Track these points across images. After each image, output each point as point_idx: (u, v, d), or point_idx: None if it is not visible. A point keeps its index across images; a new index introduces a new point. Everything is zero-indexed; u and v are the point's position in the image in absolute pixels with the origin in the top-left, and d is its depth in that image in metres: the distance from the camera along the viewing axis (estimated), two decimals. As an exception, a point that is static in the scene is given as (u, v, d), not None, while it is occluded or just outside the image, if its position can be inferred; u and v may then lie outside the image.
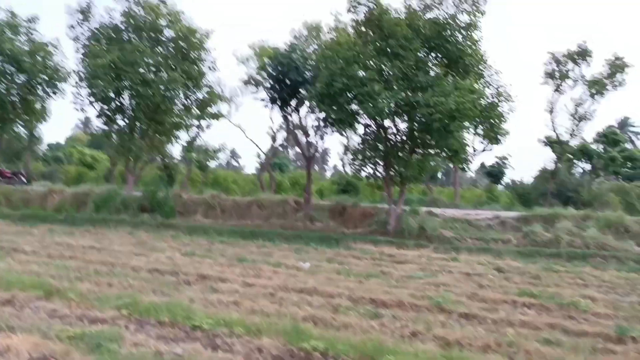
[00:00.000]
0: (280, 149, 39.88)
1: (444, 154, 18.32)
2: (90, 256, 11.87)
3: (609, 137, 34.95)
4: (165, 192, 22.97)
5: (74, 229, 18.12)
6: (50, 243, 13.98)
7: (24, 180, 30.07)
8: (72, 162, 46.82)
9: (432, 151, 19.03)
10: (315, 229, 19.59)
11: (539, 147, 48.81)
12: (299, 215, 20.65)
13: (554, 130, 29.69)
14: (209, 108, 25.46)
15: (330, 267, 12.22)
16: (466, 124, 16.65)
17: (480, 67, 17.81)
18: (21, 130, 30.70)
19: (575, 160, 33.58)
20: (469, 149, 19.20)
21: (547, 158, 41.01)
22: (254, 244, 16.20)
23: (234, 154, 79.46)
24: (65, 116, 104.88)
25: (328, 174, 72.58)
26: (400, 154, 18.35)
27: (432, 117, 15.87)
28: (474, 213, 22.14)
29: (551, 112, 28.93)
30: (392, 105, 16.54)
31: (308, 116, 21.92)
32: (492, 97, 17.84)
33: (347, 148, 30.54)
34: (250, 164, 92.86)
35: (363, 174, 19.66)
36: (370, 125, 18.60)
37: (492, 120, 18.14)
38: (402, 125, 18.59)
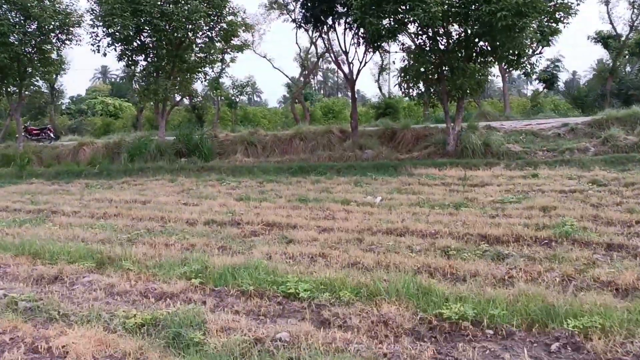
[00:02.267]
0: (311, 76, 37.68)
1: (506, 59, 16.26)
2: (136, 212, 10.60)
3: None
4: (200, 133, 21.55)
5: (111, 181, 16.97)
6: (90, 201, 12.78)
7: (52, 135, 28.97)
8: (96, 113, 45.70)
9: (490, 58, 17.00)
10: (366, 157, 18.02)
11: (588, 45, 45.58)
12: (347, 144, 19.06)
13: (611, 23, 26.91)
14: (233, 39, 23.48)
15: (404, 199, 10.75)
16: (535, 19, 14.49)
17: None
18: (42, 84, 29.28)
19: (635, 57, 30.62)
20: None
21: (600, 56, 37.91)
22: (307, 180, 14.80)
23: (255, 89, 77.50)
24: (82, 68, 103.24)
25: (350, 100, 70.12)
26: (455, 64, 16.33)
27: (497, 15, 13.75)
28: (534, 123, 20.24)
29: (607, 3, 26.05)
30: (447, 7, 14.45)
31: (346, 35, 19.79)
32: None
33: (383, 68, 28.62)
34: (272, 98, 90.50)
35: (414, 92, 17.74)
36: (420, 35, 16.51)
37: (556, 15, 15.90)
38: (457, 31, 16.48)
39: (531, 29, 14.86)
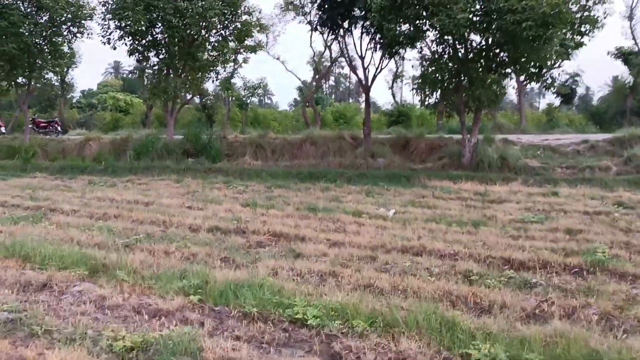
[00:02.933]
0: (323, 80, 37.15)
1: (527, 71, 15.69)
2: (137, 214, 10.11)
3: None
4: (209, 134, 21.10)
5: (115, 179, 16.52)
6: (91, 199, 12.33)
7: (60, 129, 28.67)
8: (106, 108, 45.42)
9: (509, 69, 16.45)
10: (378, 166, 17.49)
11: (602, 60, 44.99)
12: (359, 151, 18.54)
13: (634, 39, 26.25)
14: (247, 39, 23.03)
15: (419, 213, 10.20)
16: (561, 31, 13.92)
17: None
18: (52, 77, 28.95)
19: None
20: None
21: (620, 72, 37.18)
22: (316, 186, 14.27)
23: (266, 91, 77.10)
24: (95, 62, 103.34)
25: (362, 105, 69.71)
26: (474, 74, 15.78)
27: (522, 25, 13.20)
28: (552, 138, 19.64)
29: (630, 18, 25.42)
30: (470, 15, 13.93)
31: (363, 40, 19.26)
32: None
33: (397, 76, 28.14)
34: (283, 101, 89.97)
35: (431, 100, 17.19)
36: (442, 42, 15.96)
37: (582, 28, 15.34)
38: (476, 40, 15.93)
39: (556, 40, 14.27)
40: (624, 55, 28.61)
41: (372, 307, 4.80)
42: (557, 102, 31.80)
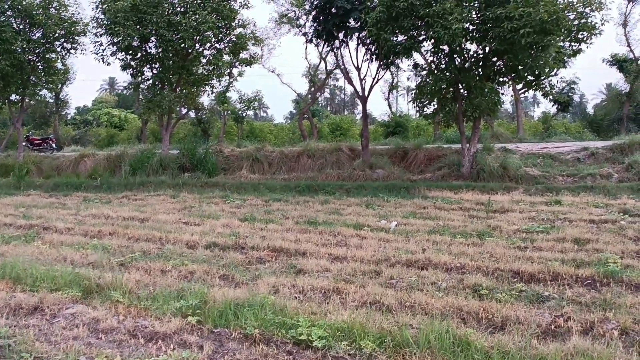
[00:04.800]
0: (319, 93, 37.04)
1: (525, 79, 15.58)
2: (133, 231, 9.86)
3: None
4: (205, 148, 20.87)
5: (110, 195, 16.25)
6: (85, 216, 12.06)
7: (54, 146, 28.41)
8: (101, 124, 45.22)
9: (507, 78, 16.34)
10: (377, 177, 17.28)
11: (599, 68, 45.06)
12: (357, 163, 18.33)
13: (629, 46, 26.25)
14: (242, 52, 22.89)
15: (421, 225, 9.99)
16: (559, 38, 13.81)
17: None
18: (46, 94, 28.77)
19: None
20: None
21: (615, 80, 37.20)
22: (314, 199, 14.06)
23: (261, 104, 76.96)
24: (90, 79, 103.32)
25: (358, 117, 69.68)
26: (472, 83, 15.65)
27: (519, 32, 13.09)
28: (551, 146, 19.51)
29: (624, 25, 25.41)
30: (466, 25, 13.82)
31: (359, 51, 19.08)
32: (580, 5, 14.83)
33: (393, 86, 28.08)
34: (278, 114, 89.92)
35: (429, 110, 17.06)
36: (438, 51, 15.84)
37: (579, 35, 15.23)
38: (473, 49, 15.83)
39: (554, 48, 14.16)
40: (618, 62, 28.61)
41: (380, 326, 4.57)
42: (553, 110, 31.78)
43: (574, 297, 5.48)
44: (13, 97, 23.35)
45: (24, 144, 25.41)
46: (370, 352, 4.15)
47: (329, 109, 76.47)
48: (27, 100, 23.81)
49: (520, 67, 14.85)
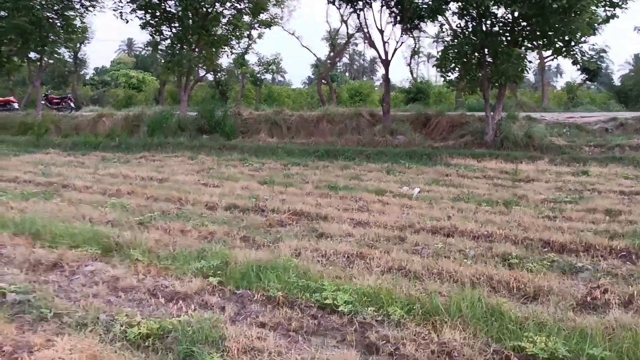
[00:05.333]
0: (338, 58, 36.37)
1: (554, 45, 15.02)
2: (152, 191, 9.76)
3: None
4: (223, 110, 20.64)
5: (128, 155, 16.18)
6: (104, 175, 12.01)
7: (73, 105, 28.36)
8: (119, 85, 45.06)
9: (535, 44, 15.78)
10: (398, 143, 16.97)
11: (619, 38, 43.74)
12: (377, 129, 17.98)
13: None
14: (262, 13, 22.44)
15: (445, 192, 9.76)
16: (593, 2, 13.23)
17: None
18: (65, 52, 28.60)
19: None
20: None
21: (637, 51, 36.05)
22: (334, 164, 13.86)
23: (279, 68, 75.99)
24: (108, 39, 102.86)
25: (377, 83, 68.65)
26: (499, 48, 15.13)
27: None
28: (578, 116, 18.99)
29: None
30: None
31: (382, 13, 18.50)
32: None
33: (415, 52, 27.40)
34: (296, 79, 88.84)
35: (453, 75, 16.59)
36: (464, 15, 15.29)
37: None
38: (501, 13, 15.25)
39: (588, 12, 13.56)
40: (650, 31, 27.59)
41: (408, 293, 4.40)
42: (578, 80, 30.88)
43: (609, 269, 5.27)
44: (32, 55, 23.24)
45: (42, 102, 25.37)
46: (398, 318, 3.99)
47: (347, 74, 75.44)
48: (45, 59, 23.64)
49: (550, 33, 14.27)
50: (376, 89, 41.72)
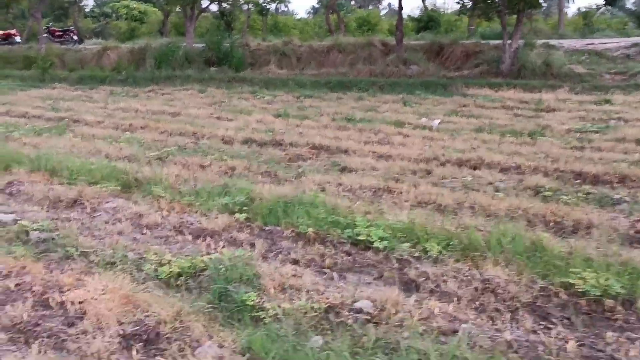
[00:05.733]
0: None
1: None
2: (165, 125, 9.54)
3: None
4: (231, 41, 20.03)
5: (137, 89, 15.85)
6: (114, 110, 11.76)
7: (76, 38, 27.63)
8: (120, 17, 43.79)
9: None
10: (411, 73, 16.50)
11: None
12: (390, 58, 17.44)
13: None
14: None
15: (465, 123, 9.49)
16: None
17: None
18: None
19: None
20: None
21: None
22: (347, 96, 13.53)
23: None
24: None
25: (383, 12, 66.28)
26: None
27: None
28: (597, 42, 18.31)
29: None
30: None
31: None
32: None
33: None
34: (299, 9, 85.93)
35: (467, 2, 15.89)
36: None
37: None
38: None
39: None
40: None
41: (443, 228, 4.24)
42: (597, 2, 29.61)
43: (650, 202, 5.09)
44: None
45: (44, 35, 24.71)
46: (436, 254, 3.85)
47: (353, 3, 73.09)
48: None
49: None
50: (383, 17, 40.41)
